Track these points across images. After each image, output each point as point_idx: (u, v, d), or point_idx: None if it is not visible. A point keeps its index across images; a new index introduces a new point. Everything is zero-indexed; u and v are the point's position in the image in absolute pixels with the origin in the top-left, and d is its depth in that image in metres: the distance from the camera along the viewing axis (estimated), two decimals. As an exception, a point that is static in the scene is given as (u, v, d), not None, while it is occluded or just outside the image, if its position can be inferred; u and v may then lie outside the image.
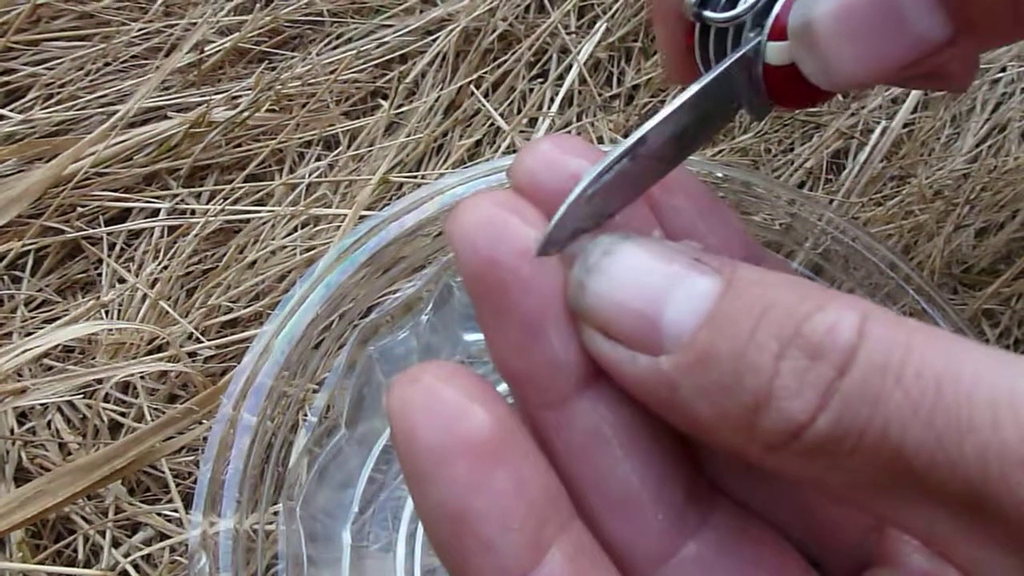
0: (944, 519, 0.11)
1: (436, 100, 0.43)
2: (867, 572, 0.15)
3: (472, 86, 0.43)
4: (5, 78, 0.42)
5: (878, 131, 0.41)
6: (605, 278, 0.14)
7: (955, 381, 0.11)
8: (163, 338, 0.34)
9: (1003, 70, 0.45)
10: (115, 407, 0.34)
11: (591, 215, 0.15)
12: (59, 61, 0.43)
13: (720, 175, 0.28)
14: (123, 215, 0.39)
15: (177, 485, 0.32)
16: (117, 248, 0.38)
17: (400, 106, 0.43)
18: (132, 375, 0.33)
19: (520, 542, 0.13)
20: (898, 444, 0.11)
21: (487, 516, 0.13)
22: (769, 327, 0.12)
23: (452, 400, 0.13)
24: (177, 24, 0.45)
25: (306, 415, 0.28)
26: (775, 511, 0.16)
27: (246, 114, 0.41)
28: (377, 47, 0.45)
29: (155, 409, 0.33)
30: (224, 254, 0.38)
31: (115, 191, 0.39)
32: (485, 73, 0.44)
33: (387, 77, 0.44)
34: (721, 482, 0.16)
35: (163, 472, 0.32)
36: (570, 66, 0.44)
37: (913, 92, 0.41)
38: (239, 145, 0.41)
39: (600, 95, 0.43)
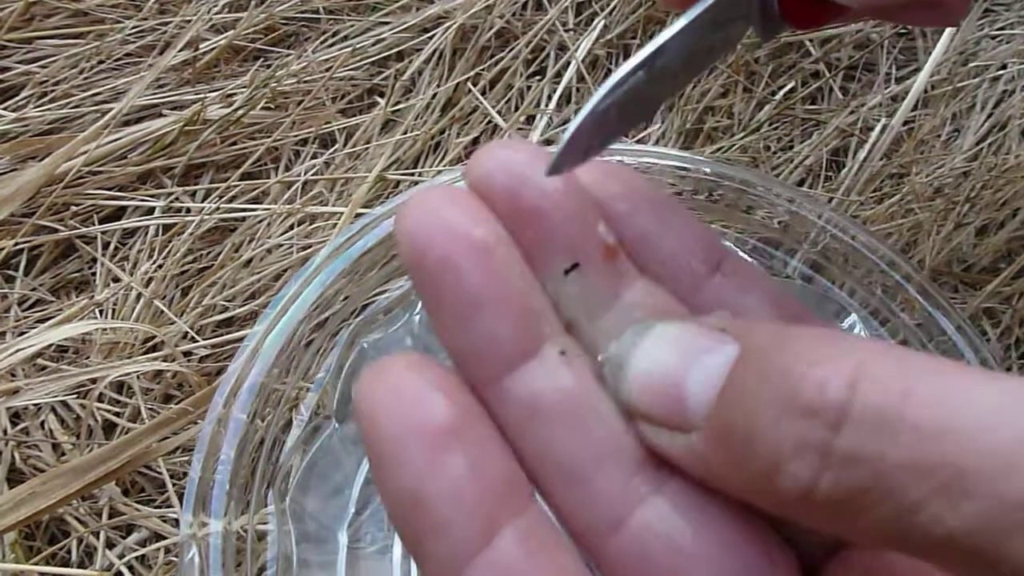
0: (961, 571, 0.11)
1: (433, 97, 0.43)
2: (844, 551, 0.15)
3: (469, 83, 0.43)
4: (-1, 76, 0.42)
5: (878, 129, 0.41)
6: (634, 371, 0.14)
7: (957, 432, 0.10)
8: (158, 337, 0.34)
9: (1003, 67, 0.44)
10: (109, 407, 0.33)
11: (602, 133, 0.14)
12: (53, 59, 0.43)
13: (720, 173, 0.27)
14: (117, 214, 0.39)
15: (173, 485, 0.32)
16: (111, 247, 0.38)
17: (397, 104, 0.43)
18: (127, 375, 0.33)
19: (471, 525, 0.13)
20: (900, 504, 0.11)
21: (440, 499, 0.13)
22: (771, 392, 0.12)
23: (414, 388, 0.14)
24: (171, 22, 0.44)
25: (299, 413, 0.27)
26: None
27: (241, 112, 0.41)
28: (373, 44, 0.44)
29: (150, 409, 0.33)
30: (219, 253, 0.38)
31: (109, 189, 0.39)
32: (482, 70, 0.44)
33: (383, 74, 0.44)
34: None
35: (158, 472, 0.32)
36: (568, 63, 0.44)
37: (913, 89, 0.41)
38: (234, 143, 0.41)
39: (598, 92, 0.43)
